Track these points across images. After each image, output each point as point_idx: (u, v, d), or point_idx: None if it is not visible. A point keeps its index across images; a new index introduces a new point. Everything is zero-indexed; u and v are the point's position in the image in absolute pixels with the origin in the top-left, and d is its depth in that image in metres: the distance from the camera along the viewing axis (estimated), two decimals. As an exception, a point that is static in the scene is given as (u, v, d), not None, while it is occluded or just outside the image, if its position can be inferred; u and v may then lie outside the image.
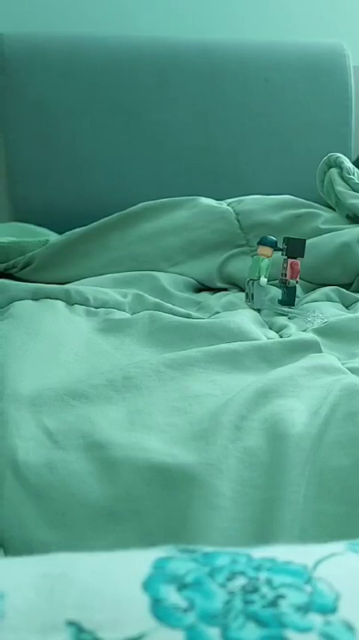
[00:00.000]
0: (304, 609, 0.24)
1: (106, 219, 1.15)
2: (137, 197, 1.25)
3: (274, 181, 1.55)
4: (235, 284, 1.09)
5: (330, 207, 1.21)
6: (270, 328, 0.87)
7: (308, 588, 0.25)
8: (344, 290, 1.02)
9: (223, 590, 0.25)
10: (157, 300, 0.91)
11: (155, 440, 0.54)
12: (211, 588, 0.25)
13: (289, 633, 0.23)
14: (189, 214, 1.15)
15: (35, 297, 0.87)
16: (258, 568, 0.26)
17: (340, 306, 0.97)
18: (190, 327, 0.79)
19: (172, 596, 0.24)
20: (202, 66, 1.58)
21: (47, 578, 0.25)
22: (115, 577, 0.25)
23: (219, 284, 1.09)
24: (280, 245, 0.97)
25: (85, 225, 1.14)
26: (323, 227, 1.12)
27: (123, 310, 0.88)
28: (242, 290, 1.04)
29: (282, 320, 0.88)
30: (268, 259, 0.96)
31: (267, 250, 0.96)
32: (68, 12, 1.66)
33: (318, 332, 0.81)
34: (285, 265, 0.94)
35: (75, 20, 1.65)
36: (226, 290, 1.08)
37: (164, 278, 1.03)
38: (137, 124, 1.55)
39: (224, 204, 1.18)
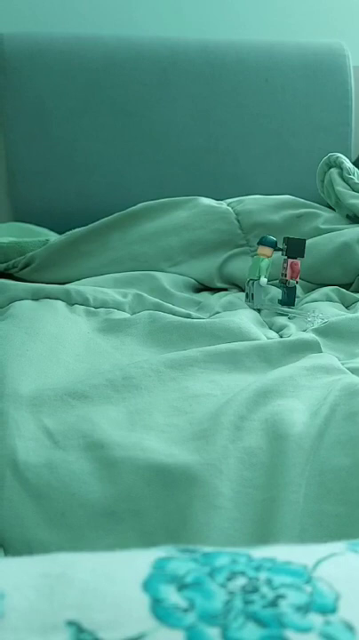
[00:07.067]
0: (304, 609, 0.24)
1: (106, 219, 1.15)
2: (137, 197, 1.25)
3: (274, 181, 1.56)
4: (235, 284, 1.09)
5: (330, 207, 1.21)
6: (270, 328, 0.87)
7: (308, 588, 0.25)
8: (344, 290, 1.02)
9: (223, 590, 0.25)
10: (157, 299, 0.91)
11: (155, 440, 0.54)
12: (211, 588, 0.25)
13: (289, 633, 0.23)
14: (189, 214, 1.15)
15: (35, 297, 0.87)
16: (258, 568, 0.26)
17: (340, 306, 0.97)
18: (190, 327, 0.79)
19: (172, 596, 0.24)
20: (202, 66, 1.58)
21: (47, 578, 0.25)
22: (115, 577, 0.25)
23: (219, 284, 1.09)
24: (280, 245, 0.97)
25: (85, 225, 1.14)
26: (323, 227, 1.12)
27: (124, 310, 0.88)
28: (242, 290, 1.04)
29: (282, 320, 0.88)
30: (268, 259, 0.96)
31: (267, 250, 0.96)
32: (68, 12, 1.66)
33: (318, 332, 0.81)
34: (285, 265, 0.94)
35: (75, 20, 1.65)
36: (226, 290, 1.08)
37: (164, 278, 1.03)
38: (137, 124, 1.55)
39: (224, 204, 1.18)
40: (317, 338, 0.76)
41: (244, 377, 0.67)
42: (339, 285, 1.04)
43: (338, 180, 1.19)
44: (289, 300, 0.95)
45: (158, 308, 0.88)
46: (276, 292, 0.99)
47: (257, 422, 0.55)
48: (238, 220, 1.14)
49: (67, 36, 1.56)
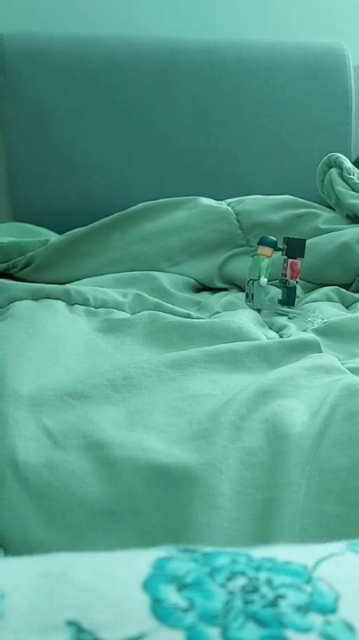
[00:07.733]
0: (304, 609, 0.24)
1: (106, 219, 1.15)
2: (137, 197, 1.25)
3: (274, 181, 1.56)
4: (235, 284, 1.09)
5: (330, 207, 1.21)
6: (270, 328, 0.87)
7: (308, 588, 0.25)
8: (344, 290, 1.02)
9: (223, 590, 0.25)
10: (157, 299, 0.91)
11: (155, 440, 0.54)
12: (211, 588, 0.25)
13: (289, 633, 0.23)
14: (189, 214, 1.15)
15: (35, 297, 0.87)
16: (258, 568, 0.26)
17: (340, 306, 0.97)
18: (190, 327, 0.79)
19: (172, 596, 0.24)
20: (202, 66, 1.58)
21: (47, 578, 0.25)
22: (115, 577, 0.25)
23: (219, 284, 1.09)
24: (280, 245, 0.97)
25: (85, 225, 1.14)
26: (323, 227, 1.12)
27: (124, 310, 0.88)
28: (242, 290, 1.04)
29: (282, 320, 0.88)
30: (268, 259, 0.96)
31: (267, 250, 0.96)
32: (68, 12, 1.66)
33: (318, 332, 0.81)
34: (285, 265, 0.94)
35: (75, 20, 1.65)
36: (226, 290, 1.08)
37: (164, 278, 1.03)
38: (137, 124, 1.55)
39: (224, 204, 1.18)
40: (317, 338, 0.76)
41: (244, 377, 0.67)
42: (339, 285, 1.04)
43: (338, 180, 1.19)
44: (289, 300, 0.95)
45: (158, 308, 0.88)
46: (276, 292, 0.99)
47: (257, 422, 0.55)
48: (238, 220, 1.14)
49: (67, 36, 1.56)
